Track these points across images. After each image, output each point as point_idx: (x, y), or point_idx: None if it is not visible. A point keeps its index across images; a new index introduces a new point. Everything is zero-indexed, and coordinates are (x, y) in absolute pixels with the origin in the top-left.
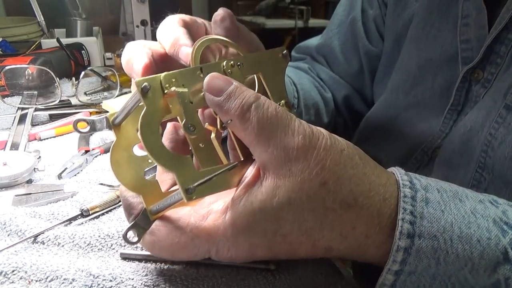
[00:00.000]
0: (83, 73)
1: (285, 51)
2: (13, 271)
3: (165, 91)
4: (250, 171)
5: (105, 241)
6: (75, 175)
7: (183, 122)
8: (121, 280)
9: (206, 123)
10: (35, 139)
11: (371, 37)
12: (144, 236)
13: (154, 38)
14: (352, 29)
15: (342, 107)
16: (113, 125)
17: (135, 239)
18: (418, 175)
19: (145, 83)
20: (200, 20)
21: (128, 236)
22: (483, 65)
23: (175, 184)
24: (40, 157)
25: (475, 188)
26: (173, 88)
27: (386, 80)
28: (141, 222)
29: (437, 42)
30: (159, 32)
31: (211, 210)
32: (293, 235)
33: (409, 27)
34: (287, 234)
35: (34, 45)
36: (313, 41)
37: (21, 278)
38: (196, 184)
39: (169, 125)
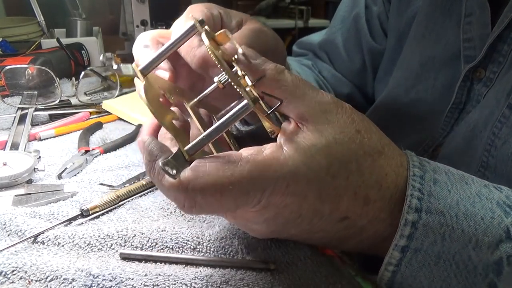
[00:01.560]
0: (83, 73)
1: None
2: (13, 271)
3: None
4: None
5: (105, 241)
6: (75, 175)
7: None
8: (121, 280)
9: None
10: (35, 139)
11: (374, 34)
12: (184, 171)
13: None
14: (355, 25)
15: None
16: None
17: (173, 172)
18: (427, 159)
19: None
20: (216, 11)
21: (166, 168)
22: (485, 64)
23: None
24: (40, 157)
25: None
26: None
27: (388, 78)
28: (175, 161)
29: (440, 40)
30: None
31: (262, 148)
32: (340, 177)
33: (412, 24)
34: (335, 175)
35: (34, 45)
36: (316, 37)
37: (21, 278)
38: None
39: None
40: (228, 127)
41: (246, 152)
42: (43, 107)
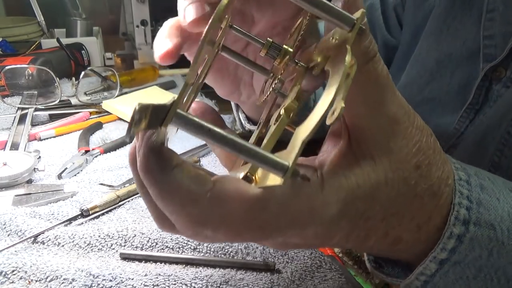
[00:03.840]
0: (83, 73)
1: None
2: (13, 271)
3: None
4: (334, 141)
5: (105, 241)
6: (75, 175)
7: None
8: (121, 280)
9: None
10: (35, 139)
11: (390, 26)
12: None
13: (154, 38)
14: (369, 17)
15: None
16: None
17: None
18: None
19: None
20: None
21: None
22: (507, 63)
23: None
24: (40, 157)
25: None
26: None
27: (400, 74)
28: (157, 114)
29: (459, 36)
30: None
31: (298, 183)
32: (376, 219)
33: (429, 19)
34: (371, 217)
35: (34, 45)
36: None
37: (21, 278)
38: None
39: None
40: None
41: (278, 189)
42: (43, 107)
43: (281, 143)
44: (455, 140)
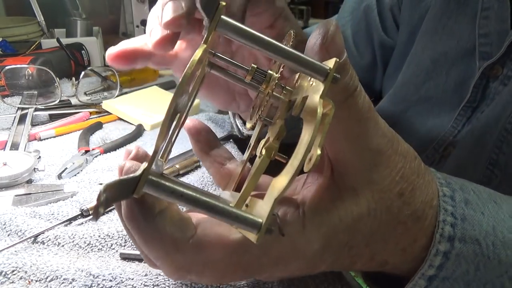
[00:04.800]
0: (83, 73)
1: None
2: (13, 271)
3: None
4: (316, 175)
5: (105, 241)
6: (75, 175)
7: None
8: (121, 280)
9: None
10: (35, 139)
11: (387, 27)
12: (174, 257)
13: None
14: (366, 18)
15: None
16: None
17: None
18: (448, 175)
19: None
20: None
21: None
22: (503, 61)
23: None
24: (40, 157)
25: (485, 185)
26: None
27: (397, 74)
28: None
29: (453, 35)
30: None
31: (281, 225)
32: (359, 247)
33: (425, 18)
34: (354, 246)
35: (34, 45)
36: None
37: (21, 278)
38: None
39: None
40: None
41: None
42: (43, 107)
43: (290, 146)
44: (452, 139)
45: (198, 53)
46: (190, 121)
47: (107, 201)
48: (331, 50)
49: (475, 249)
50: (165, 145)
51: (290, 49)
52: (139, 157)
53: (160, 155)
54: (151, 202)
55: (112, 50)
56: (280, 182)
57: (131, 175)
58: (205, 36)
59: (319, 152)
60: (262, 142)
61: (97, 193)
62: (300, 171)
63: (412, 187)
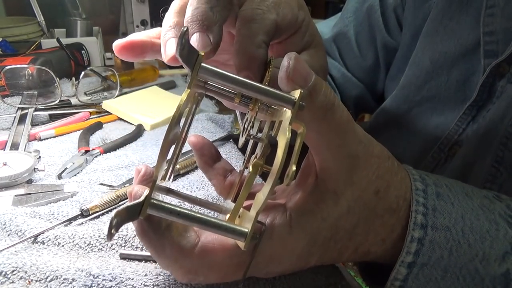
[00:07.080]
0: (83, 73)
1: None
2: (13, 271)
3: None
4: (302, 180)
5: (105, 241)
6: (75, 175)
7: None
8: (121, 280)
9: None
10: (35, 139)
11: (390, 28)
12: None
13: None
14: (369, 19)
15: (352, 109)
16: None
17: (113, 231)
18: (425, 172)
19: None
20: None
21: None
22: (510, 59)
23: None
24: (40, 157)
25: (490, 183)
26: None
27: (400, 76)
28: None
29: (453, 35)
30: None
31: (269, 228)
32: (343, 241)
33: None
34: (338, 240)
35: (34, 45)
36: (324, 29)
37: (21, 278)
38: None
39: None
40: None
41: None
42: (43, 107)
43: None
44: (457, 138)
45: (183, 97)
46: (194, 137)
47: (118, 224)
48: (296, 79)
49: (446, 235)
50: (165, 167)
51: (261, 85)
52: (147, 175)
53: (160, 178)
54: (158, 219)
55: (119, 41)
56: (260, 197)
57: (136, 201)
58: (188, 82)
59: (294, 168)
60: (252, 158)
61: (109, 219)
62: (280, 183)
63: (386, 184)
